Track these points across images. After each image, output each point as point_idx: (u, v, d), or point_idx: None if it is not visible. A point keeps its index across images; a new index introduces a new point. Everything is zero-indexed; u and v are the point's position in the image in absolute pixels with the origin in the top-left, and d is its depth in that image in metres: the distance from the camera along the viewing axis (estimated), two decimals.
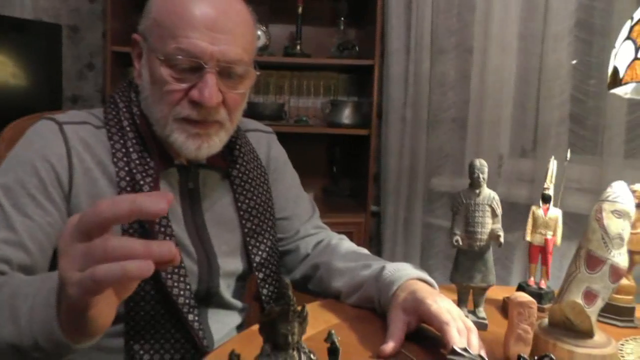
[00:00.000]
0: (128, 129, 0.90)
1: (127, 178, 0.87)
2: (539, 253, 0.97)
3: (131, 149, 0.88)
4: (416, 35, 2.30)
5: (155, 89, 0.87)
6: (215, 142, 0.90)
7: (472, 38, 2.18)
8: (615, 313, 0.94)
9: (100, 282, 0.49)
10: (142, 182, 0.86)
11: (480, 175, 0.90)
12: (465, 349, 0.47)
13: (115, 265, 0.48)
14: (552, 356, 0.44)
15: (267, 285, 1.03)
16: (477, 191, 0.91)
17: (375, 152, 2.37)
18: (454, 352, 0.47)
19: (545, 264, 0.96)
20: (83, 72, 2.69)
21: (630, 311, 0.95)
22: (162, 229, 0.86)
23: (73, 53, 2.66)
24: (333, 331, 0.53)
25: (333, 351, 0.52)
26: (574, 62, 1.92)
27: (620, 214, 0.76)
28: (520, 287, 0.98)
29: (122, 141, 0.89)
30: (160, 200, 0.49)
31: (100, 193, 0.86)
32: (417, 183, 2.30)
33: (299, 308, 0.49)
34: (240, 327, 1.06)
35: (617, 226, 0.76)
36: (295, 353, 0.49)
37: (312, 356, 0.50)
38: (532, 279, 0.99)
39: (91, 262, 0.50)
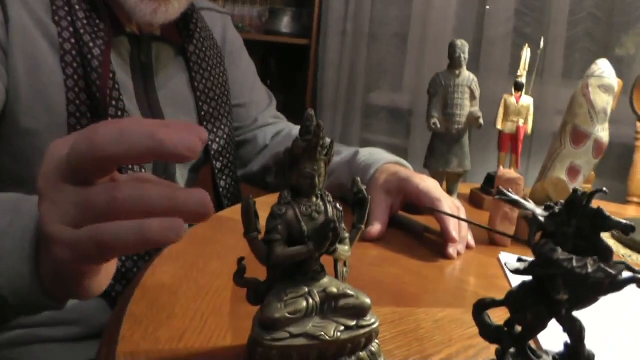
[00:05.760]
0: None
1: (73, 40, 0.73)
2: (510, 141, 0.95)
3: (77, 7, 0.74)
4: None
5: None
6: (174, 7, 0.79)
7: None
8: None
9: (107, 248, 0.34)
10: (91, 45, 0.73)
11: (462, 55, 0.86)
12: (509, 190, 0.43)
13: (131, 226, 0.34)
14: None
15: (224, 177, 0.95)
16: (457, 72, 0.87)
17: (315, 63, 2.28)
18: (500, 192, 0.42)
19: (516, 152, 0.95)
20: None
21: None
22: (114, 103, 0.75)
23: None
24: (358, 178, 0.47)
25: (360, 202, 0.45)
26: (488, 7, 1.94)
27: (606, 88, 0.76)
28: (490, 177, 0.97)
29: None
30: (191, 136, 0.34)
31: (41, 56, 0.72)
32: (355, 98, 2.25)
33: (328, 144, 0.42)
34: (192, 224, 0.98)
35: (602, 100, 0.75)
36: (320, 202, 0.43)
37: (338, 206, 0.43)
38: (501, 167, 0.97)
39: (91, 217, 0.35)
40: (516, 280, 0.63)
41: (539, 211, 0.40)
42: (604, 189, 0.42)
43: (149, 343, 0.45)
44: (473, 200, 0.98)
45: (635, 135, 1.35)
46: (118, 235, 0.34)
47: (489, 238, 0.77)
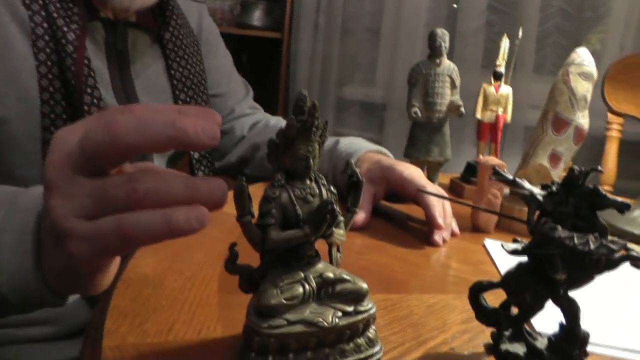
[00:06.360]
0: None
1: (45, 25, 0.70)
2: (489, 131, 0.96)
3: None
4: None
5: None
6: None
7: None
8: None
9: (130, 240, 0.33)
10: (65, 29, 0.70)
11: (442, 44, 0.86)
12: (504, 170, 0.43)
13: (156, 216, 0.32)
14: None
15: (202, 168, 0.93)
16: (438, 61, 0.86)
17: (287, 57, 2.26)
18: (497, 172, 0.42)
19: (495, 140, 0.96)
20: None
21: None
22: (89, 91, 0.72)
23: None
24: (352, 160, 0.45)
25: (355, 185, 0.44)
26: (455, 5, 1.96)
27: (586, 75, 0.76)
28: (469, 166, 0.97)
29: None
30: (210, 123, 0.33)
31: (11, 40, 0.69)
32: (328, 92, 2.24)
33: (322, 125, 0.41)
34: None
35: (583, 87, 0.76)
36: (314, 184, 0.41)
37: (332, 189, 0.42)
38: (480, 156, 0.98)
39: (109, 209, 0.33)
40: (503, 265, 0.63)
41: (537, 190, 0.40)
42: (599, 167, 0.42)
43: (136, 336, 0.43)
44: (453, 190, 0.98)
45: (606, 126, 1.38)
46: (143, 226, 0.32)
47: (472, 225, 0.77)
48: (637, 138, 1.49)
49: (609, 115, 1.37)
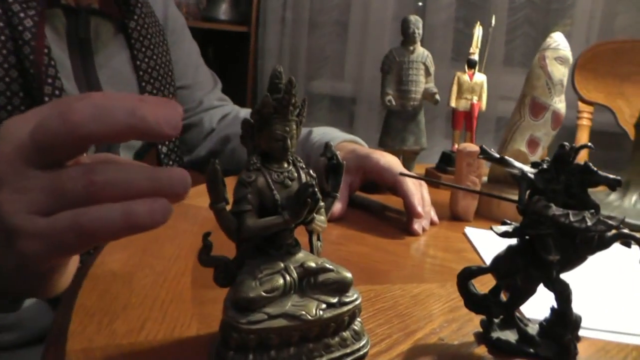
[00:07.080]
0: None
1: None
2: (463, 119, 0.94)
3: None
4: None
5: None
6: None
7: None
8: None
9: (89, 236, 0.30)
10: (22, 15, 0.65)
11: (416, 31, 0.84)
12: (491, 149, 0.41)
13: (115, 210, 0.30)
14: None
15: (170, 162, 0.89)
16: (411, 48, 0.85)
17: (255, 52, 2.22)
18: (484, 151, 0.40)
19: (470, 129, 0.94)
20: None
21: None
22: (50, 81, 0.68)
23: None
24: (331, 143, 0.43)
25: (335, 167, 0.42)
26: (420, 3, 1.97)
27: (562, 60, 0.76)
28: (445, 155, 0.95)
29: None
30: (171, 111, 0.31)
31: None
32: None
33: (300, 103, 0.38)
34: None
35: (559, 72, 0.75)
36: (292, 167, 0.38)
37: (311, 172, 0.40)
38: (455, 145, 0.97)
39: (65, 204, 0.31)
40: (485, 253, 0.62)
41: (527, 168, 0.38)
42: (589, 144, 0.41)
43: (104, 337, 0.39)
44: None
45: (577, 115, 1.39)
46: (102, 221, 0.30)
47: (451, 213, 0.76)
48: (607, 128, 1.50)
49: (580, 104, 1.38)
